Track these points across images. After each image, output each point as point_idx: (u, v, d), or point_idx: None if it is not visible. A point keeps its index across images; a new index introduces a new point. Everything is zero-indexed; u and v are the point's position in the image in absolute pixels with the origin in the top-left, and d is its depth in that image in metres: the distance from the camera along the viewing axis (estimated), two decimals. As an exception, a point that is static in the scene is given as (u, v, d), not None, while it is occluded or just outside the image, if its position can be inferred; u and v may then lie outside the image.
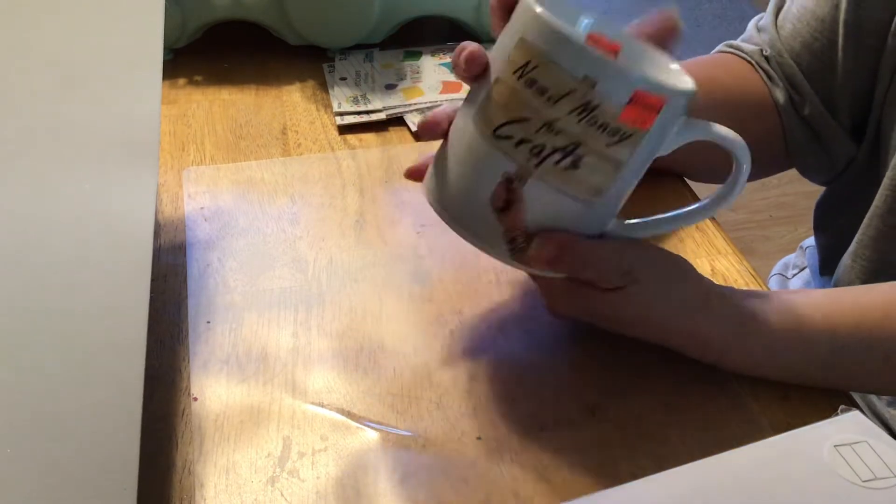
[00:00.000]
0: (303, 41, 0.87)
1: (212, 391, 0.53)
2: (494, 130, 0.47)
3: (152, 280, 0.44)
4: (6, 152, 0.46)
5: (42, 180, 0.46)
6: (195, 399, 0.53)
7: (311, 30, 0.86)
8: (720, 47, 0.74)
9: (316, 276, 0.61)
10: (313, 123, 0.78)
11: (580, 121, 0.46)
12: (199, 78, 0.86)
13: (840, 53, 0.66)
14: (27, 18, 0.53)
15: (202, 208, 0.67)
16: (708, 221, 0.66)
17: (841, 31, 0.65)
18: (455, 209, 0.50)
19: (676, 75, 0.51)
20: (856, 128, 0.69)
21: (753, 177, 0.73)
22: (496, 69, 0.48)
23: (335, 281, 0.61)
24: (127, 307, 0.43)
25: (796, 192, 2.15)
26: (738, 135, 0.49)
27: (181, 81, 0.85)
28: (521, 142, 0.47)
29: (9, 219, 0.43)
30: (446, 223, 0.51)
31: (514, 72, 0.47)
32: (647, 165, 0.49)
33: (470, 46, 0.49)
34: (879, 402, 0.69)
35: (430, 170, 0.52)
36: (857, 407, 0.45)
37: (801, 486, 0.39)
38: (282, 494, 0.47)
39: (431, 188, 0.52)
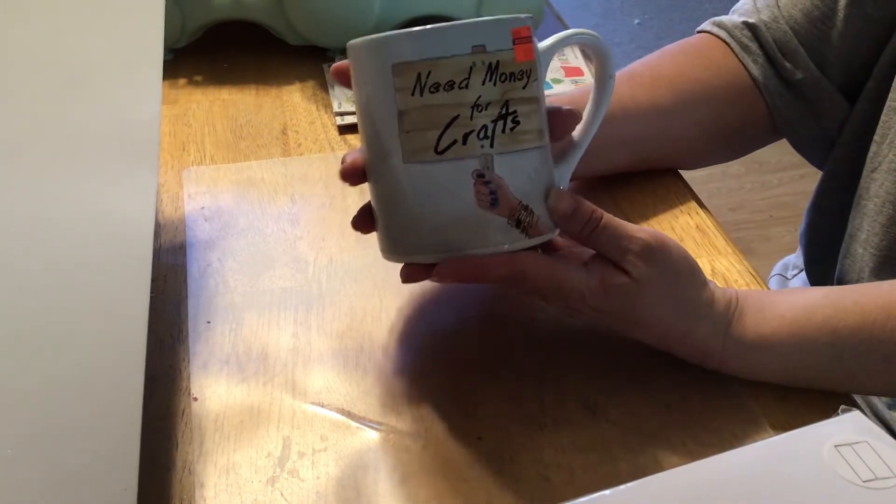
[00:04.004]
0: (303, 41, 0.87)
1: (212, 391, 0.53)
2: (436, 149, 0.48)
3: (152, 280, 0.44)
4: (6, 152, 0.46)
5: (42, 180, 0.46)
6: (195, 399, 0.53)
7: (311, 30, 0.86)
8: (702, 26, 0.74)
9: (316, 276, 0.61)
10: (313, 123, 0.78)
11: (494, 84, 0.48)
12: (199, 78, 0.86)
13: (839, 24, 0.66)
14: (27, 18, 0.53)
15: (202, 208, 0.67)
16: (708, 221, 0.66)
17: (843, 1, 0.66)
18: (454, 242, 0.49)
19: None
20: (847, 95, 0.69)
21: (742, 153, 0.75)
22: (387, 109, 0.49)
23: (335, 281, 0.61)
24: (127, 307, 0.43)
25: (796, 192, 2.15)
26: (584, 30, 0.53)
27: (181, 81, 0.85)
28: (465, 138, 0.48)
29: (9, 219, 0.43)
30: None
31: (412, 94, 0.48)
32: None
33: (344, 165, 0.53)
34: (880, 404, 0.69)
35: (390, 237, 0.52)
36: (858, 407, 0.45)
37: (801, 486, 0.39)
38: (282, 494, 0.47)
39: (415, 249, 0.51)
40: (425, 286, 0.60)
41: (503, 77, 0.48)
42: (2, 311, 0.40)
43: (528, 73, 0.49)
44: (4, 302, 0.40)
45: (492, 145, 0.48)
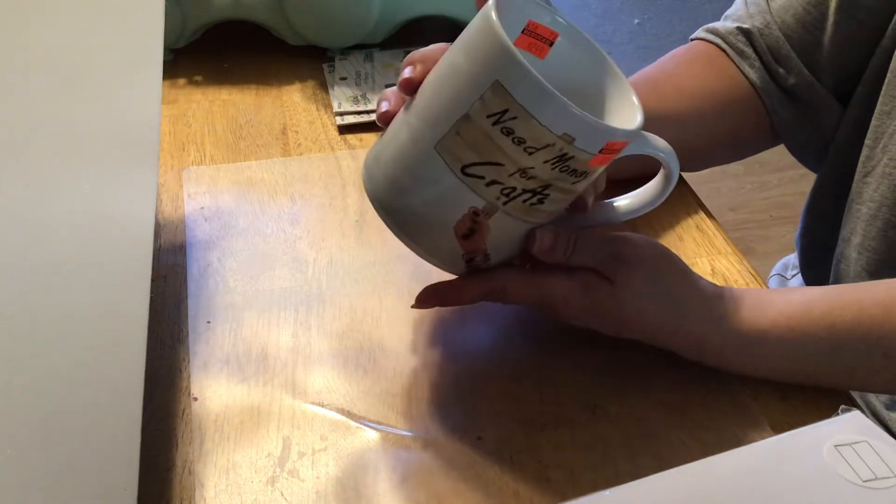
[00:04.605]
0: (303, 41, 0.87)
1: (212, 391, 0.53)
2: (462, 168, 0.47)
3: (152, 280, 0.44)
4: (6, 152, 0.46)
5: (42, 180, 0.46)
6: (195, 399, 0.53)
7: (311, 30, 0.86)
8: (696, 33, 0.74)
9: (316, 276, 0.61)
10: (313, 123, 0.78)
11: (553, 168, 0.47)
12: (199, 78, 0.86)
13: (830, 28, 0.67)
14: (27, 18, 0.53)
15: (202, 208, 0.67)
16: (708, 221, 0.66)
17: (834, 4, 0.66)
18: (415, 233, 0.50)
19: (628, 101, 0.52)
20: (840, 99, 0.69)
21: (743, 156, 0.75)
22: (462, 102, 0.47)
23: (335, 281, 0.61)
24: (127, 307, 0.43)
25: (796, 191, 2.15)
26: (666, 143, 0.51)
27: (181, 81, 0.85)
28: (491, 182, 0.47)
29: (9, 219, 0.43)
30: (398, 237, 0.51)
31: (489, 116, 0.46)
32: None
33: (409, 67, 0.50)
34: (879, 404, 0.69)
35: (378, 172, 0.51)
36: (857, 407, 0.45)
37: (801, 486, 0.39)
38: (282, 494, 0.47)
39: (384, 202, 0.50)
40: (426, 286, 0.60)
41: (565, 169, 0.47)
42: (2, 311, 0.40)
43: (588, 176, 0.48)
44: (4, 302, 0.40)
45: (505, 204, 0.48)
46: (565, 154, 0.46)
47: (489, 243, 0.49)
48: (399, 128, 0.50)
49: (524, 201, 0.48)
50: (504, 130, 0.46)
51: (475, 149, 0.47)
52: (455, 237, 0.49)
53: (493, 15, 0.46)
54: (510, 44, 0.46)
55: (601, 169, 0.49)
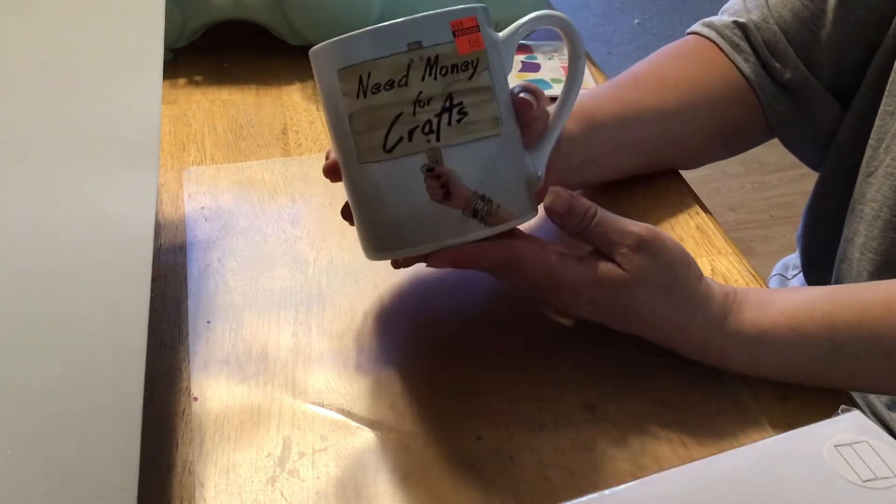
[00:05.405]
0: (303, 41, 0.87)
1: (212, 391, 0.53)
2: (384, 147, 0.49)
3: (152, 280, 0.44)
4: (6, 152, 0.46)
5: (42, 181, 0.46)
6: (195, 399, 0.53)
7: (311, 30, 0.86)
8: (693, 27, 0.74)
9: (316, 276, 0.61)
10: (313, 123, 0.78)
11: (435, 78, 0.48)
12: (199, 78, 0.86)
13: (829, 25, 0.67)
14: (28, 18, 0.53)
15: (202, 208, 0.68)
16: (708, 221, 0.66)
17: (833, 0, 0.66)
18: (416, 236, 0.50)
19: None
20: (837, 96, 0.69)
21: (738, 151, 0.75)
22: (340, 112, 0.50)
23: (335, 281, 0.61)
24: (127, 307, 0.43)
25: (796, 192, 2.15)
26: (551, 11, 0.53)
27: (181, 81, 0.85)
28: (410, 134, 0.48)
29: (9, 219, 0.43)
30: (412, 255, 0.52)
31: (357, 95, 0.49)
32: (508, 74, 0.53)
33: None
34: (879, 404, 0.69)
35: (362, 238, 0.53)
36: (858, 407, 0.45)
37: (801, 486, 0.39)
38: (282, 494, 0.47)
39: (380, 247, 0.52)
40: (426, 285, 0.60)
41: (444, 70, 0.48)
42: (2, 311, 0.40)
43: (475, 64, 0.49)
44: (5, 302, 0.40)
45: (438, 139, 0.48)
46: (429, 58, 0.48)
47: (469, 182, 0.49)
48: (347, 197, 0.53)
49: (448, 124, 0.48)
50: (374, 90, 0.48)
51: (375, 126, 0.49)
52: (441, 206, 0.49)
53: (311, 49, 0.51)
54: (324, 42, 0.50)
55: (485, 53, 0.49)
